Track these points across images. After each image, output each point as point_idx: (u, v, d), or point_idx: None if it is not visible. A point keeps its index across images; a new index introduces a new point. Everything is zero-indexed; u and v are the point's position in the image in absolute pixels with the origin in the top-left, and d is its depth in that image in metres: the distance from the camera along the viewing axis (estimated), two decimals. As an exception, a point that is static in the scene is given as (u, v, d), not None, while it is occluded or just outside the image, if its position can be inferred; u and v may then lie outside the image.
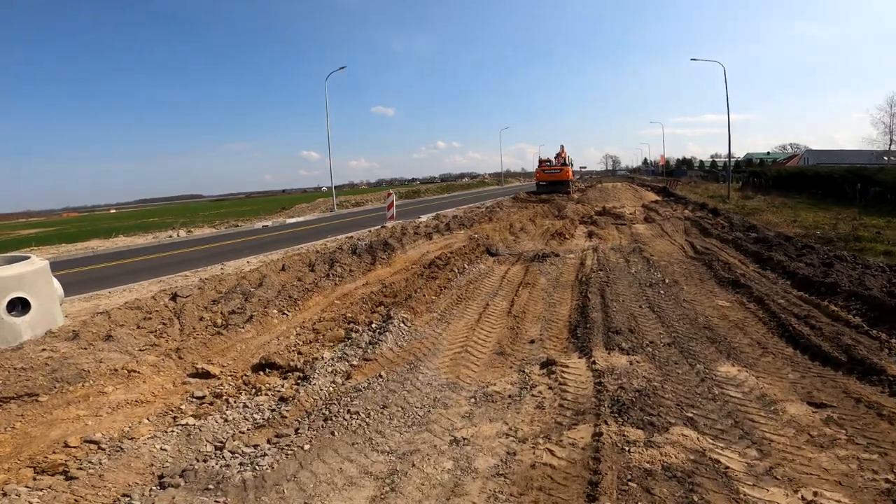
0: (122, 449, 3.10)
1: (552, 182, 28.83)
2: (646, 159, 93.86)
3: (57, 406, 3.82)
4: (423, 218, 17.37)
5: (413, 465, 2.78)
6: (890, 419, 3.00)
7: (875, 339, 4.26)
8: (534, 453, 2.78)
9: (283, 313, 6.07)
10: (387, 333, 4.78)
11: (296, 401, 3.61)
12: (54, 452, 3.18)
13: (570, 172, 32.12)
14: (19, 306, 5.27)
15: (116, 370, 4.30)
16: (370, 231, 14.22)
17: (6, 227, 49.74)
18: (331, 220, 22.22)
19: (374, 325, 5.24)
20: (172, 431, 3.34)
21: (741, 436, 2.93)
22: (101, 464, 2.96)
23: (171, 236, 19.27)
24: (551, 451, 2.77)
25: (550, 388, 3.59)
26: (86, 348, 4.78)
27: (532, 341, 4.71)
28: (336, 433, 3.15)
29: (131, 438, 3.26)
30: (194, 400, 3.90)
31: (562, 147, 31.06)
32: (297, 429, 3.24)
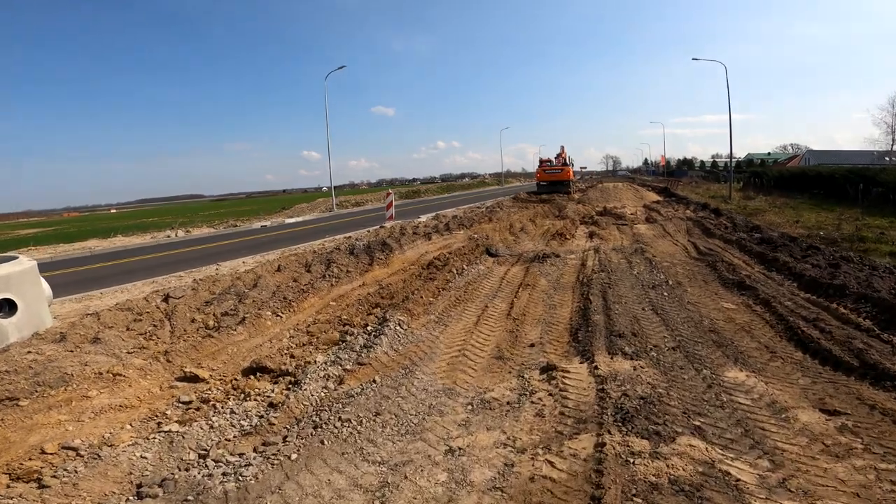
0: (99, 456, 2.96)
1: (553, 182, 28.69)
2: (646, 159, 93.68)
3: (38, 411, 3.68)
4: (423, 218, 17.23)
5: (405, 476, 2.63)
6: (907, 427, 2.86)
7: (887, 343, 4.11)
8: (533, 465, 2.63)
9: (277, 315, 5.93)
10: (382, 336, 4.63)
11: (285, 407, 3.47)
12: (31, 459, 3.04)
13: (571, 172, 31.99)
14: (6, 308, 5.13)
15: (101, 374, 4.15)
16: (369, 231, 14.08)
17: (6, 227, 49.65)
18: (330, 220, 22.08)
19: (369, 328, 5.09)
20: (154, 438, 3.20)
21: (752, 445, 2.79)
22: (76, 472, 2.82)
23: (168, 236, 19.14)
24: (551, 463, 2.62)
25: (551, 394, 3.43)
26: (72, 351, 4.64)
27: (532, 345, 4.56)
28: (326, 442, 3.00)
29: (111, 445, 3.12)
30: (180, 405, 3.75)
31: (562, 148, 30.95)
32: (286, 437, 3.10)
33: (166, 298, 6.20)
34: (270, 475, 2.70)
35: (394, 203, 18.04)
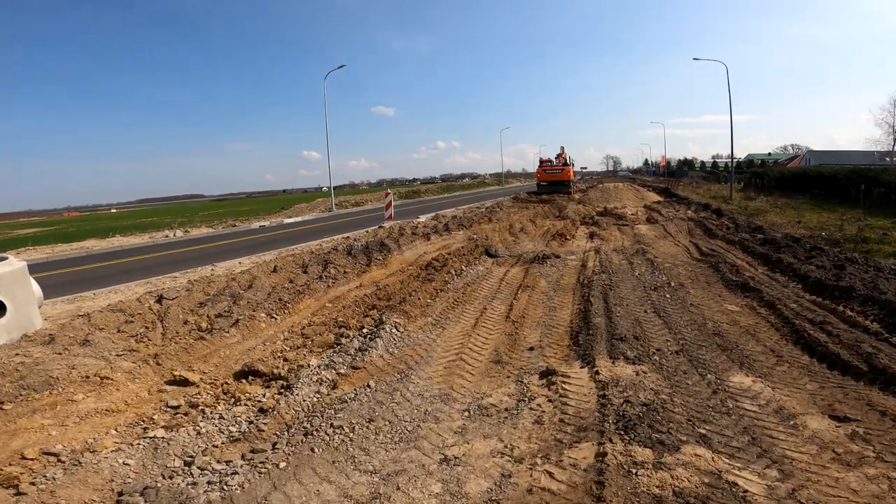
0: (80, 463, 2.84)
1: (553, 182, 28.60)
2: (647, 160, 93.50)
3: (22, 415, 3.57)
4: (422, 218, 17.11)
5: (398, 487, 2.52)
6: (921, 436, 2.74)
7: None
8: (531, 476, 2.51)
9: (272, 317, 5.81)
10: (377, 339, 4.52)
11: (275, 412, 3.36)
12: (10, 464, 2.93)
13: (571, 173, 31.90)
14: (-6, 309, 5.03)
15: (88, 377, 4.04)
16: (367, 231, 13.97)
17: (6, 227, 49.52)
18: (329, 220, 21.97)
19: (365, 331, 4.97)
20: (139, 444, 3.09)
21: (759, 454, 2.67)
22: (54, 478, 2.71)
23: (167, 236, 19.05)
24: (550, 474, 2.50)
25: (550, 400, 3.31)
26: (60, 353, 4.53)
27: (531, 348, 4.44)
28: (316, 450, 2.89)
29: (93, 451, 3.00)
30: (168, 409, 3.64)
31: (562, 148, 30.90)
32: (275, 444, 2.98)
33: (160, 299, 6.08)
34: (257, 485, 2.59)
35: (392, 203, 17.93)
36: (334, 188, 31.04)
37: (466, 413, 3.29)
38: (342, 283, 7.37)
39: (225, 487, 2.57)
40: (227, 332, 5.20)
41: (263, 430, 3.16)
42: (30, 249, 17.06)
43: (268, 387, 3.94)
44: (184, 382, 4.10)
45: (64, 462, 2.91)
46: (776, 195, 22.55)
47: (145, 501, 2.51)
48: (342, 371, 3.98)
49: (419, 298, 5.92)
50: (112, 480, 2.74)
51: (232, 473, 2.69)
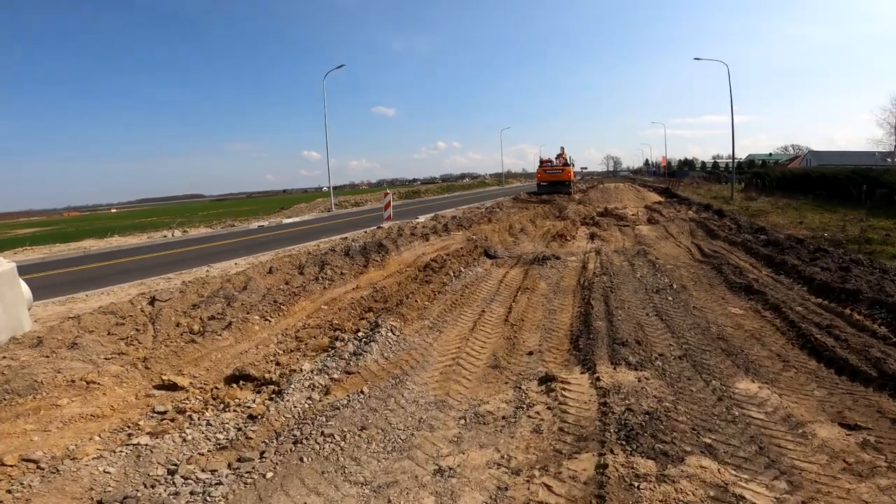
0: (58, 470, 2.73)
1: (553, 182, 28.48)
2: (647, 160, 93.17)
3: (4, 420, 3.47)
4: (421, 218, 17.00)
5: (389, 500, 2.40)
6: (936, 446, 2.63)
7: (906, 352, 3.88)
8: (528, 488, 2.40)
9: (266, 319, 5.70)
10: (373, 343, 4.40)
11: (265, 419, 3.24)
12: (-11, 471, 2.82)
13: (572, 173, 31.78)
14: (-19, 311, 4.92)
15: (74, 381, 3.93)
16: (366, 232, 13.86)
17: (5, 227, 49.39)
18: (328, 220, 21.85)
19: (360, 334, 4.86)
20: (122, 451, 2.97)
21: (767, 465, 2.56)
22: (31, 486, 2.60)
23: (165, 236, 18.95)
24: (548, 487, 2.39)
25: (549, 408, 3.20)
26: (47, 356, 4.42)
27: (530, 353, 4.32)
28: (305, 459, 2.78)
29: (73, 458, 2.89)
30: (155, 415, 3.53)
31: (562, 149, 30.78)
32: (263, 452, 2.87)
33: (152, 301, 5.98)
34: (242, 496, 2.48)
35: (391, 203, 17.83)
36: (334, 188, 30.95)
37: (462, 421, 3.17)
38: (339, 284, 7.26)
39: (208, 499, 2.46)
40: (220, 335, 5.09)
41: (251, 438, 3.05)
42: (27, 249, 16.96)
43: (259, 392, 3.83)
44: (172, 387, 3.99)
45: (43, 469, 2.80)
46: (777, 196, 22.42)
47: (124, 513, 2.40)
48: (335, 376, 3.86)
49: (416, 301, 5.81)
50: (91, 489, 2.63)
51: (216, 484, 2.58)
